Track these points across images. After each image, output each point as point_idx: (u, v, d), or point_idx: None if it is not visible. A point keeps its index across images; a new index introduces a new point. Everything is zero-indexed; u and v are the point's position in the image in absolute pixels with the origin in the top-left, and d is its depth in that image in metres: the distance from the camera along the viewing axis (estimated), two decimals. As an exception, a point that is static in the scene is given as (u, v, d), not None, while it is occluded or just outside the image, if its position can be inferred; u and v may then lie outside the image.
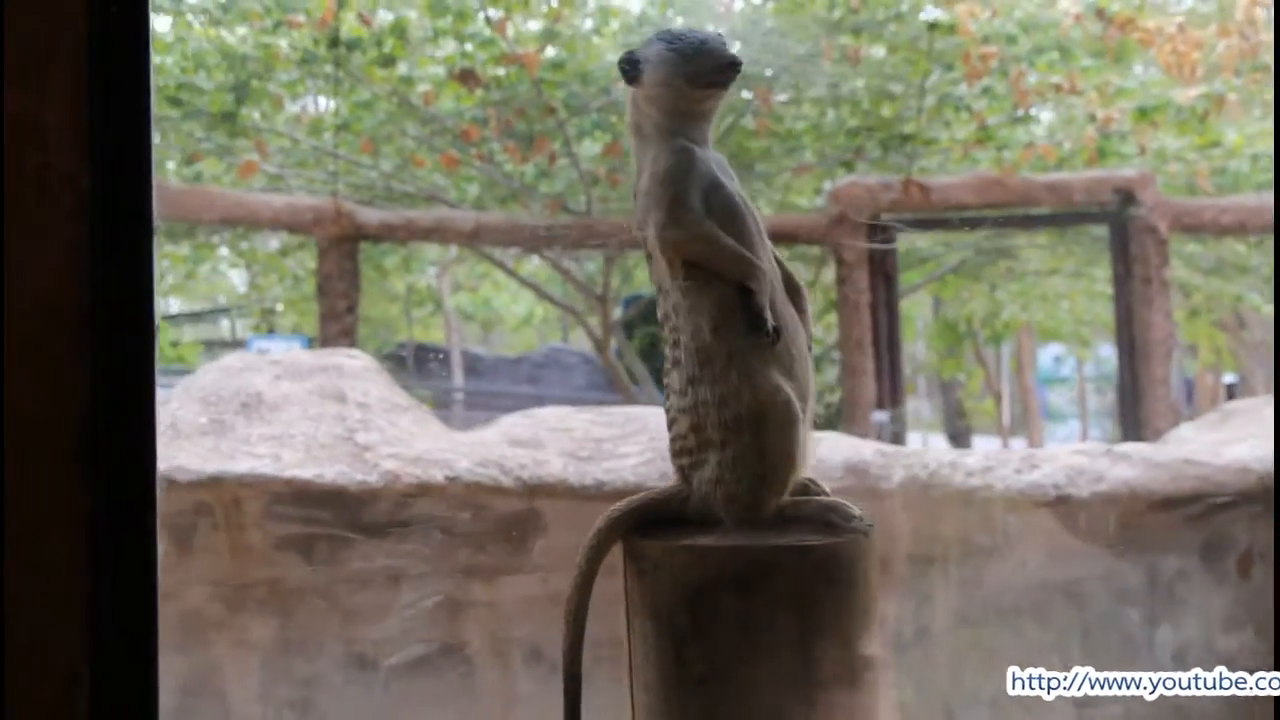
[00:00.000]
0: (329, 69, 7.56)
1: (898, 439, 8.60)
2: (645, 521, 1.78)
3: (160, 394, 4.65)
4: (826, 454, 5.10)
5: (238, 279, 12.50)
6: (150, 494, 1.36)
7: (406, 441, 4.70)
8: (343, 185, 8.47)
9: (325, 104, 8.10)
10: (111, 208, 1.37)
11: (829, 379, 9.45)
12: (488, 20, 7.17)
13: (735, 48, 1.96)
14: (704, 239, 1.79)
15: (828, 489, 1.94)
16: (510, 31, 7.35)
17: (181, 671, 4.81)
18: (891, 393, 8.65)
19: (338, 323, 8.30)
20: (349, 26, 7.31)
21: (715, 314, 1.78)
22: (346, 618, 4.96)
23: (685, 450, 1.80)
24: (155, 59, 6.03)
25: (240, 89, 7.43)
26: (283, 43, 7.35)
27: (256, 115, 8.00)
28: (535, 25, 7.49)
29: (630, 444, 4.98)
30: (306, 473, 4.45)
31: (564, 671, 1.84)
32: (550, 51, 7.66)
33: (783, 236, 9.18)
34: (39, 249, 1.31)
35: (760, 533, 1.66)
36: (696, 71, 1.83)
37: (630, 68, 1.88)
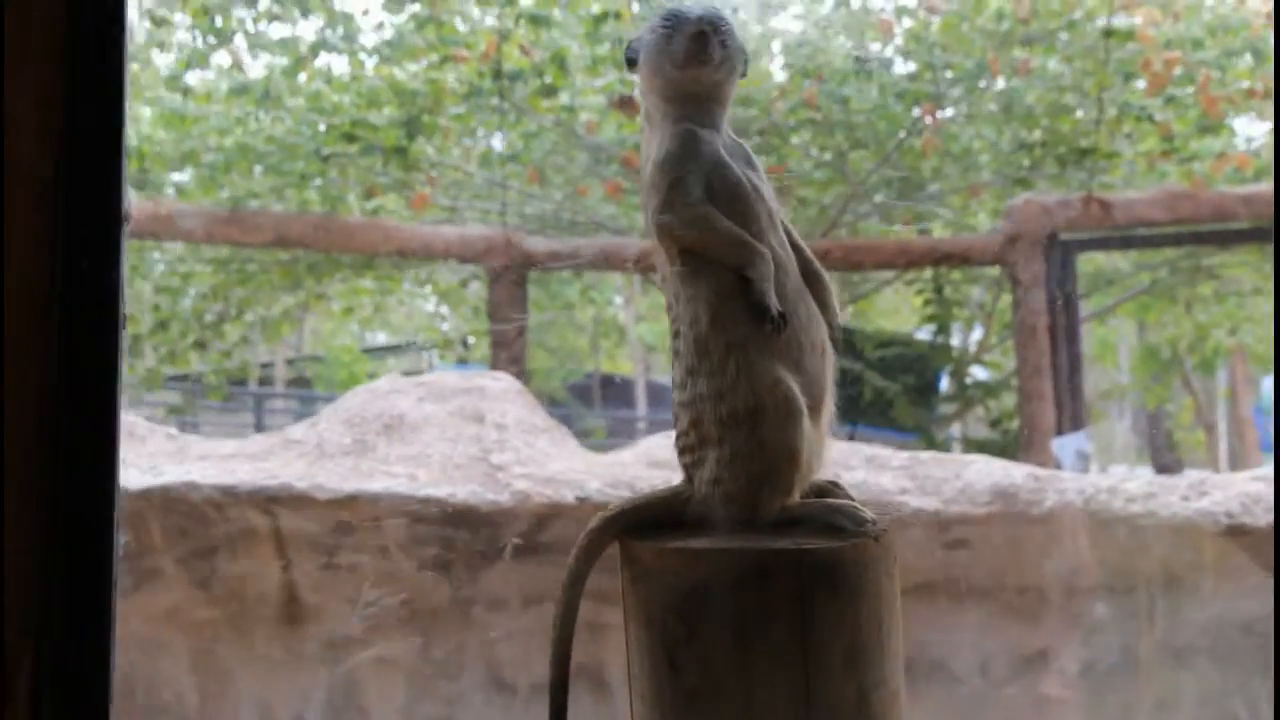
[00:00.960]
0: (495, 101, 7.73)
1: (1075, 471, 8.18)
2: (645, 523, 1.70)
3: (311, 416, 4.78)
4: (974, 478, 4.89)
5: (433, 310, 12.88)
6: (110, 491, 1.38)
7: (540, 462, 4.72)
8: (513, 215, 8.64)
9: (495, 136, 8.29)
10: (81, 203, 1.39)
11: (1007, 405, 9.07)
12: (644, 47, 7.20)
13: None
14: (700, 223, 1.70)
15: (851, 493, 1.82)
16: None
17: (325, 687, 4.94)
18: (1072, 420, 8.23)
19: (507, 349, 8.45)
20: (511, 59, 7.47)
21: (713, 302, 1.69)
22: (486, 638, 5.00)
23: (688, 448, 1.72)
24: (334, 98, 6.24)
25: (411, 124, 7.66)
26: (450, 77, 7.56)
27: (430, 149, 8.25)
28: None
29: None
30: (440, 492, 4.52)
31: (550, 678, 1.77)
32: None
33: (956, 258, 8.91)
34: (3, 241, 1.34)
35: (758, 535, 1.57)
36: (675, 50, 1.75)
37: (630, 54, 1.83)
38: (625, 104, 7.54)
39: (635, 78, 1.86)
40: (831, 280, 1.87)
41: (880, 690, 1.53)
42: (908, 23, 8.10)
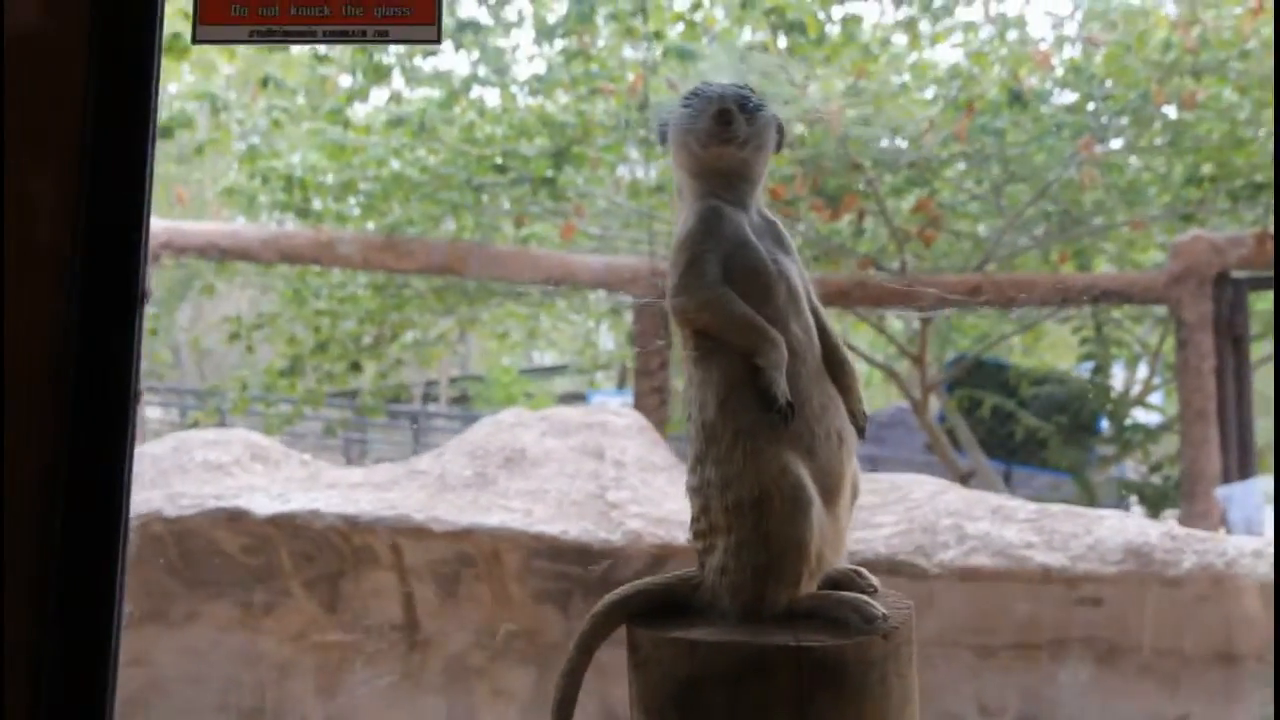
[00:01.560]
0: (642, 133, 7.79)
1: (1249, 522, 7.74)
2: (653, 608, 1.67)
3: (438, 447, 4.85)
4: (1106, 534, 4.69)
5: (588, 334, 13.04)
6: (117, 554, 1.43)
7: (656, 501, 4.72)
8: (660, 245, 8.68)
9: (639, 167, 8.35)
10: (97, 279, 1.45)
11: (1169, 450, 8.67)
12: (790, 80, 7.16)
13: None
14: (712, 306, 1.66)
15: (875, 582, 1.76)
16: (813, 89, 7.30)
17: (445, 713, 5.03)
18: (1240, 468, 7.81)
19: (650, 379, 8.48)
20: (658, 91, 7.51)
21: (722, 388, 1.65)
22: (600, 674, 5.00)
23: (699, 534, 1.68)
24: (486, 129, 6.37)
25: (560, 155, 7.78)
26: (598, 109, 7.65)
27: (579, 179, 8.36)
28: (840, 83, 7.41)
29: (888, 514, 4.78)
30: (553, 528, 4.56)
31: None
32: (862, 108, 7.55)
33: (1116, 295, 8.57)
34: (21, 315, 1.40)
35: (761, 628, 1.52)
36: (700, 128, 1.72)
37: (660, 129, 1.80)
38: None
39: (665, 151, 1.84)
40: (856, 367, 1.81)
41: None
42: (1068, 53, 7.85)
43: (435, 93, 7.71)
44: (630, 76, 7.53)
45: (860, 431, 1.75)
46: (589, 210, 8.57)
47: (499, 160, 7.70)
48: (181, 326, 14.40)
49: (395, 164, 7.81)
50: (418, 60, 7.42)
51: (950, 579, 4.56)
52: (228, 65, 8.64)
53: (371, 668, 4.93)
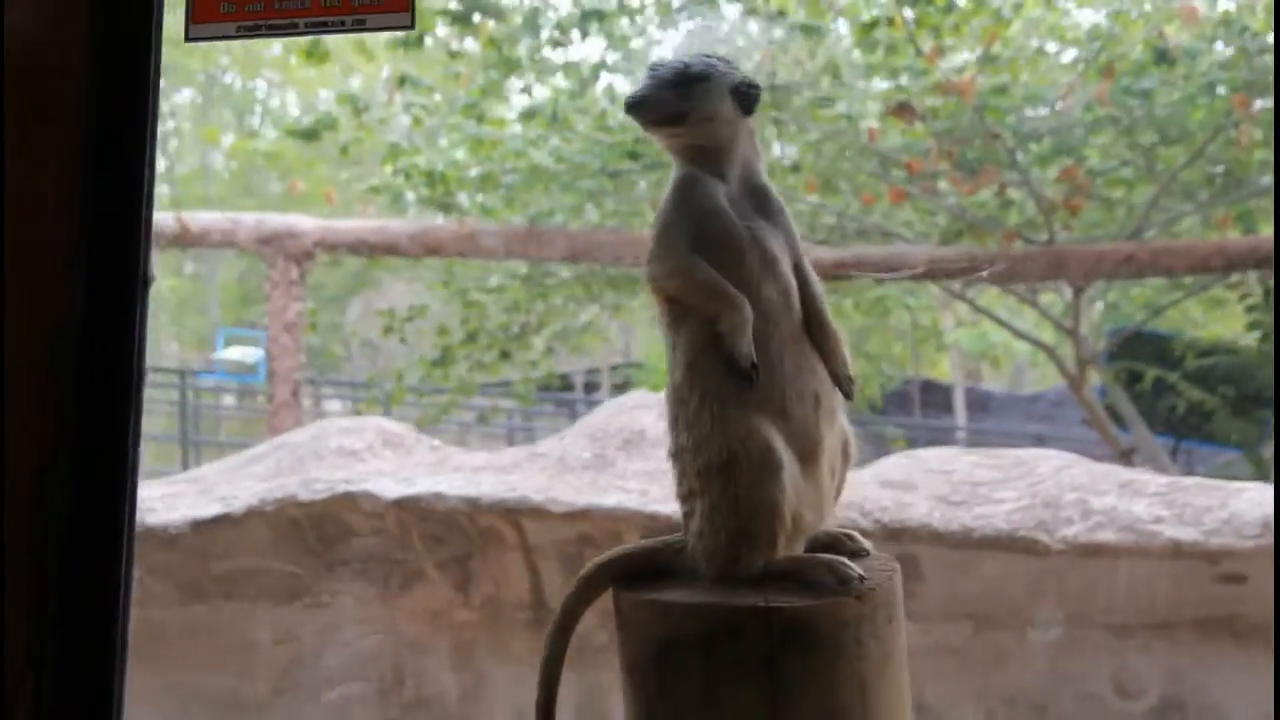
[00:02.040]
0: (773, 113, 7.75)
1: None
2: (639, 572, 1.70)
3: (560, 430, 4.97)
4: (1244, 508, 4.50)
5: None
6: (121, 527, 1.50)
7: (770, 480, 4.72)
8: (800, 225, 8.63)
9: (774, 147, 8.30)
10: (101, 266, 1.54)
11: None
12: (918, 51, 7.02)
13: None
14: (678, 273, 1.69)
15: (867, 545, 1.75)
16: (946, 60, 7.15)
17: (575, 692, 5.14)
18: None
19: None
20: (785, 70, 7.47)
21: (689, 353, 1.68)
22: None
23: (681, 498, 1.71)
24: (618, 116, 6.48)
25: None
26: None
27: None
28: (971, 52, 7.22)
29: (1010, 489, 4.68)
30: (667, 508, 4.60)
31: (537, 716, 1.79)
32: (996, 76, 7.35)
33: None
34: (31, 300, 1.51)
35: (736, 590, 1.54)
36: (631, 114, 1.79)
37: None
38: (904, 110, 7.38)
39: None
40: (842, 331, 1.81)
41: (868, 759, 1.47)
42: (1221, 4, 7.47)
43: (566, 83, 7.82)
44: (757, 56, 7.49)
45: (846, 395, 1.75)
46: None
47: (631, 148, 7.76)
48: (351, 321, 14.99)
49: (532, 155, 7.97)
50: (547, 52, 7.55)
51: (1073, 555, 4.44)
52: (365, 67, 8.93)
53: (502, 646, 5.07)
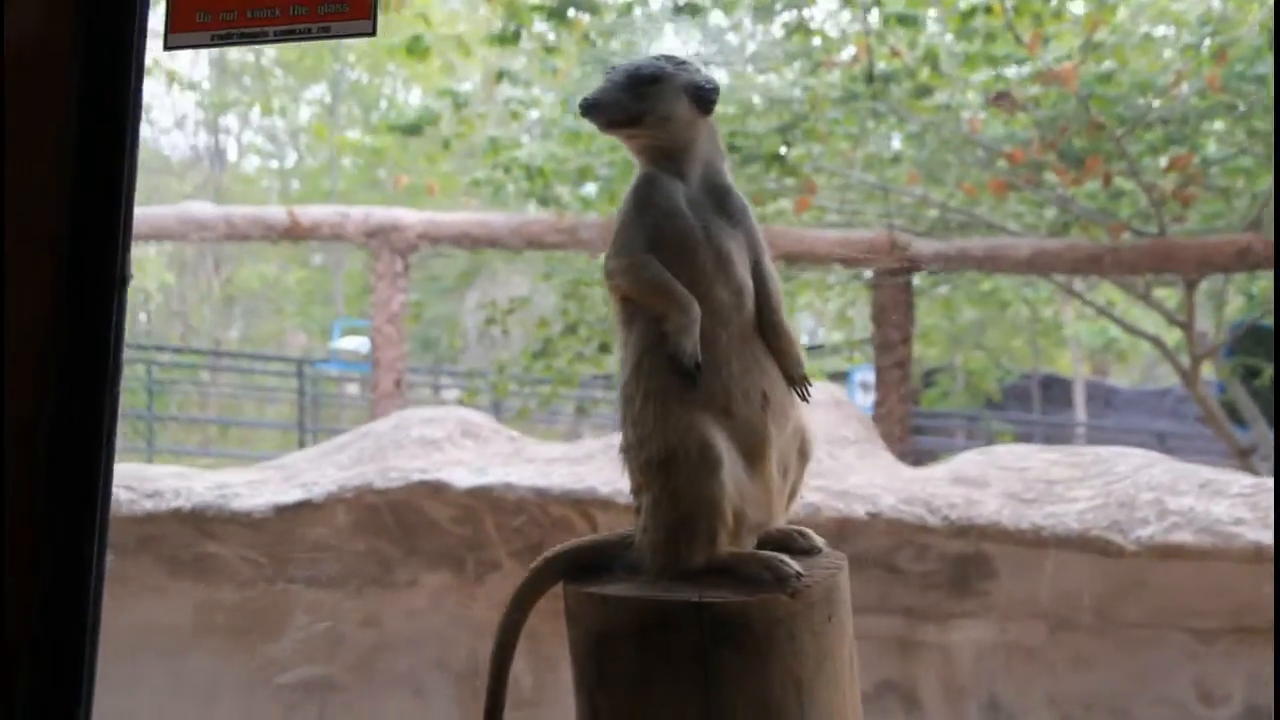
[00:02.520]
0: (872, 104, 7.67)
1: None
2: (591, 565, 1.71)
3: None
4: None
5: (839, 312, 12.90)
6: (94, 520, 1.57)
7: (839, 475, 4.70)
8: (903, 217, 8.53)
9: (873, 139, 8.21)
10: (83, 264, 1.62)
11: None
12: (1018, 39, 6.86)
13: None
14: (630, 272, 1.71)
15: (819, 542, 1.75)
16: (1048, 48, 6.98)
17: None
18: None
19: (891, 353, 8.35)
20: (883, 60, 7.38)
21: (638, 351, 1.70)
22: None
23: (632, 493, 1.73)
24: (718, 109, 6.51)
25: (788, 130, 7.77)
26: (823, 82, 7.59)
27: (814, 152, 8.32)
28: (1075, 40, 7.02)
29: (1085, 487, 4.58)
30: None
31: (485, 710, 1.82)
32: (1101, 63, 7.15)
33: None
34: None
35: (675, 584, 1.55)
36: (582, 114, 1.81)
37: None
38: (1004, 100, 7.23)
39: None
40: (793, 331, 1.81)
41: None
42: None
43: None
44: (853, 48, 7.43)
45: (801, 396, 1.75)
46: (824, 185, 8.50)
47: (728, 139, 7.75)
48: (468, 311, 15.23)
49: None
50: (640, 46, 7.57)
51: (1149, 556, 4.33)
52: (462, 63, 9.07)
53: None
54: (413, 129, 8.05)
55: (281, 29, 1.69)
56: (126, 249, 1.70)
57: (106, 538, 1.67)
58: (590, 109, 1.76)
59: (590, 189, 8.54)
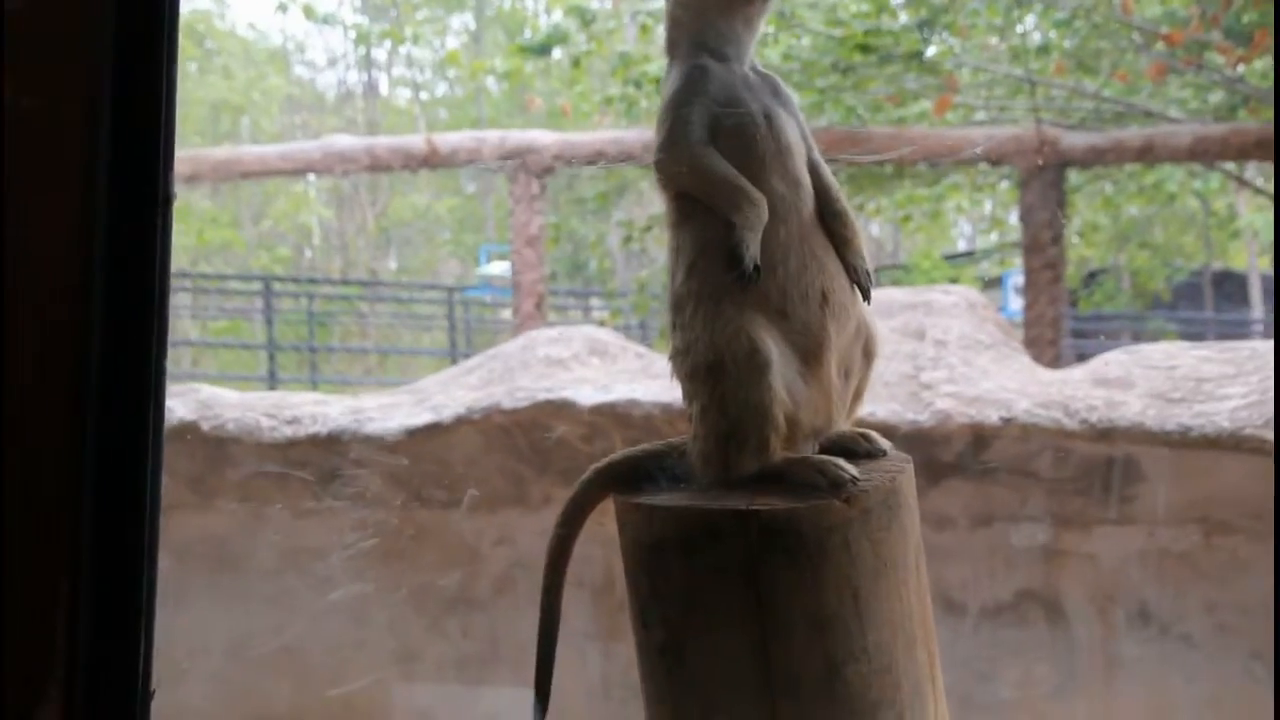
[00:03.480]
0: (1014, -8, 7.29)
1: None
2: (641, 476, 1.63)
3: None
4: None
5: (993, 213, 12.46)
6: (144, 501, 1.55)
7: (973, 381, 4.53)
8: (1049, 111, 8.13)
9: (1018, 28, 7.81)
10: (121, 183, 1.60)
11: None
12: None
13: None
14: (692, 165, 1.59)
15: (885, 445, 1.63)
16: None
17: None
18: None
19: (1041, 255, 8.01)
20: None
21: (691, 253, 1.59)
22: (932, 557, 4.91)
23: (685, 400, 1.64)
24: (851, 8, 6.30)
25: (926, 26, 7.45)
26: (961, -27, 7.24)
27: (955, 47, 7.98)
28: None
29: (1239, 384, 4.33)
30: (861, 411, 4.49)
31: (539, 627, 1.76)
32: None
33: None
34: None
35: (726, 493, 1.46)
36: None
37: None
38: (1156, -24, 6.78)
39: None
40: (857, 221, 1.68)
41: (856, 664, 1.39)
42: None
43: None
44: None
45: (863, 290, 1.64)
46: (967, 82, 8.15)
47: (862, 40, 7.48)
48: (612, 231, 15.24)
49: (761, 55, 7.80)
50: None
51: (1309, 457, 4.05)
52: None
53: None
54: (542, 49, 7.99)
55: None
56: (169, 169, 1.67)
57: (161, 460, 1.65)
58: None
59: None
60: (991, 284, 14.03)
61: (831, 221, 1.65)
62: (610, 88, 8.83)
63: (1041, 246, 8.00)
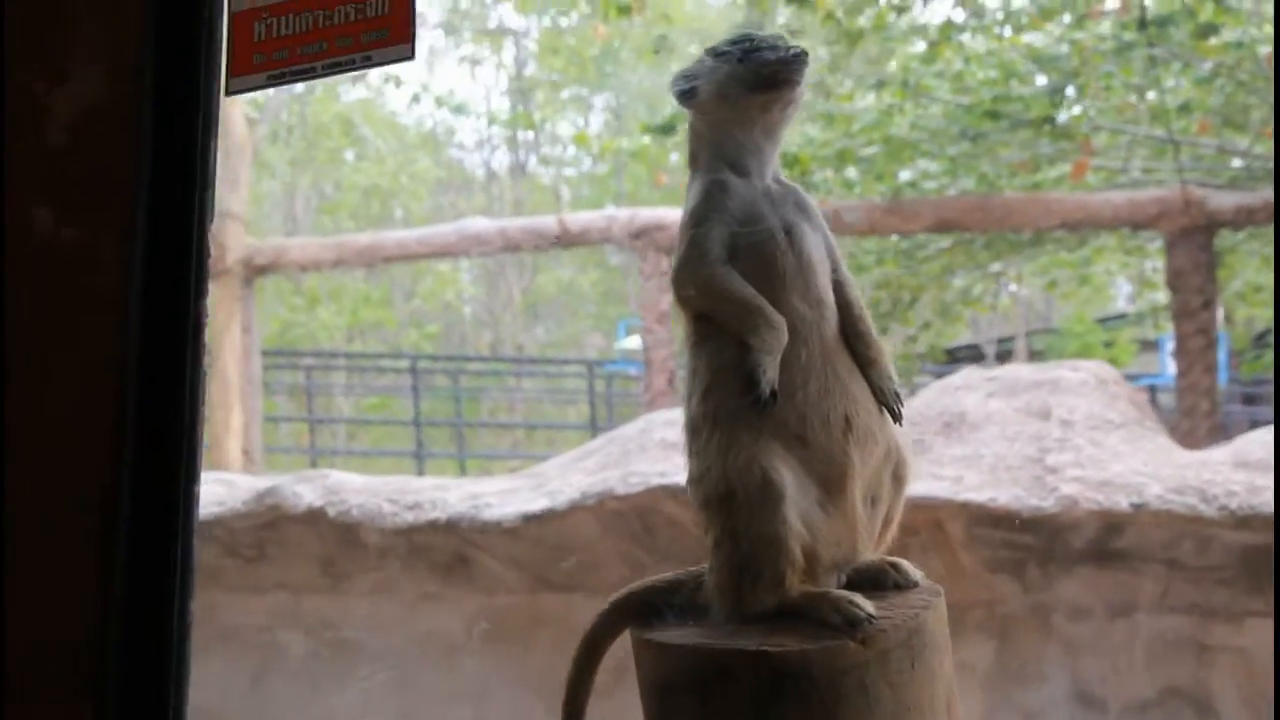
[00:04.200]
0: (1150, 51, 7.05)
1: None
2: (662, 606, 1.56)
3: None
4: None
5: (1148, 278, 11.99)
6: (177, 520, 1.56)
7: (1101, 464, 4.34)
8: (1195, 171, 7.82)
9: (1154, 89, 7.54)
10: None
11: None
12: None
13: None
14: (710, 287, 1.54)
15: (915, 575, 1.53)
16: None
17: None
18: None
19: (1192, 320, 7.66)
20: (1158, 4, 6.77)
21: (708, 376, 1.53)
22: (1068, 649, 4.70)
23: (702, 528, 1.57)
24: (977, 75, 6.19)
25: (1057, 90, 7.27)
26: (1091, 35, 7.04)
27: (1090, 112, 7.76)
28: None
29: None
30: (980, 496, 4.35)
31: None
32: None
33: None
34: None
35: (741, 629, 1.39)
36: (754, 73, 1.57)
37: (684, 86, 1.64)
38: (1302, 29, 6.48)
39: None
40: (881, 341, 1.60)
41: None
42: None
43: (914, 47, 7.51)
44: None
45: (892, 413, 1.56)
46: (1104, 145, 7.91)
47: (990, 107, 7.33)
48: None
49: (888, 126, 7.72)
50: (890, 19, 7.27)
51: None
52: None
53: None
54: (667, 128, 8.05)
55: (328, 62, 1.67)
56: (200, 295, 1.71)
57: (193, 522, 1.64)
58: (803, 57, 1.60)
59: (851, 172, 8.29)
60: (1149, 347, 13.50)
61: (855, 342, 1.58)
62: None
63: (1192, 312, 7.65)
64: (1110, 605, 4.57)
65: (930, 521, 4.59)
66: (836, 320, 1.58)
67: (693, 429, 1.55)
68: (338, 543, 5.43)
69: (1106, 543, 4.41)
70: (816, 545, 1.47)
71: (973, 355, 14.72)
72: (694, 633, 1.45)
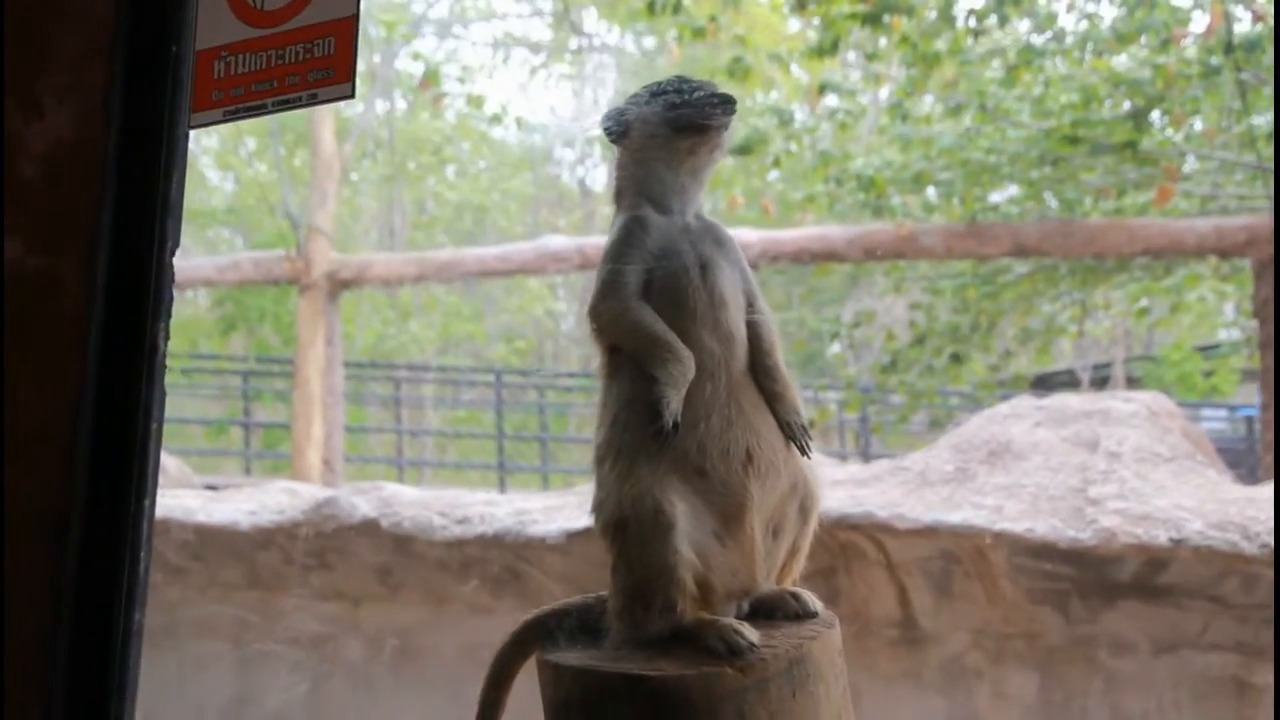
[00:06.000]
0: (1236, 75, 6.87)
1: None
2: (572, 629, 1.59)
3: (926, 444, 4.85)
4: None
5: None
6: (127, 535, 1.64)
7: (1144, 497, 4.26)
8: (1285, 199, 7.59)
9: (1244, 114, 7.34)
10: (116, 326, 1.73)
11: None
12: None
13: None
14: (620, 321, 1.58)
15: (814, 605, 1.53)
16: None
17: (942, 716, 4.92)
18: None
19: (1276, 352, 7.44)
20: (1243, 24, 6.60)
21: (615, 407, 1.57)
22: (1111, 684, 4.61)
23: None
24: (1058, 99, 6.14)
25: (1139, 115, 7.12)
26: (1174, 59, 6.89)
27: (1175, 137, 7.60)
28: None
29: None
30: (1017, 526, 4.30)
31: None
32: None
33: None
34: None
35: (633, 652, 1.41)
36: (684, 116, 1.63)
37: (615, 124, 1.70)
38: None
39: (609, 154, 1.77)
40: (790, 376, 1.62)
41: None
42: None
43: (990, 71, 7.42)
44: (1205, 16, 6.69)
45: (800, 447, 1.58)
46: (1190, 171, 7.73)
47: (1069, 131, 7.22)
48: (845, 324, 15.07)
49: (966, 150, 7.65)
50: (968, 42, 7.19)
51: None
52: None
53: (870, 663, 4.94)
54: (742, 150, 8.07)
55: (278, 99, 1.75)
56: (157, 318, 1.78)
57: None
58: (729, 106, 1.67)
59: (931, 193, 8.22)
60: (1251, 376, 13.08)
61: (763, 377, 1.61)
62: (797, 186, 8.84)
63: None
64: (1154, 641, 4.48)
65: (973, 550, 4.55)
66: (746, 355, 1.61)
67: (598, 457, 1.59)
68: (394, 553, 5.55)
69: (1151, 577, 4.32)
70: (710, 574, 1.50)
71: (1068, 381, 14.42)
72: (587, 655, 1.49)
